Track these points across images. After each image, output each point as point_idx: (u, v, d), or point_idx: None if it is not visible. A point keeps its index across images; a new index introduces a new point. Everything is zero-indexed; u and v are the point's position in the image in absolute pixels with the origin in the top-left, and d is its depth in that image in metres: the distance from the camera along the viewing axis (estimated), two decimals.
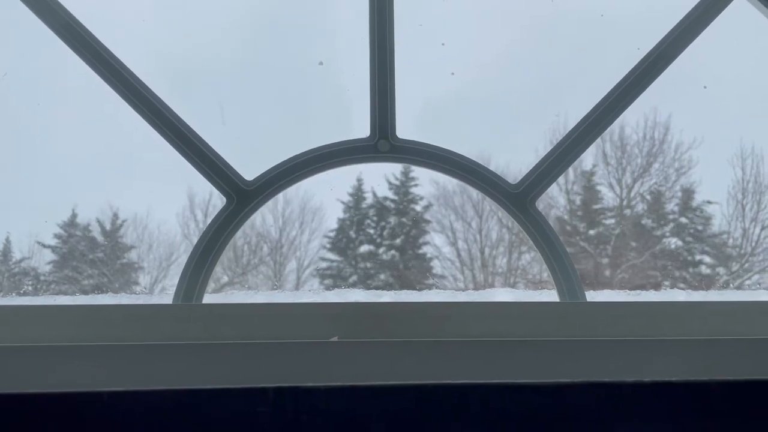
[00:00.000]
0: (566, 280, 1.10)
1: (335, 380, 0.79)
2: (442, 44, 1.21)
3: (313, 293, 1.21)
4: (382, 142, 1.13)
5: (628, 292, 1.14)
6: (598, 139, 1.55)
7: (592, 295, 1.11)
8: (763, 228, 1.66)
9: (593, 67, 1.27)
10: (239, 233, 1.13)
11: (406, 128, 1.15)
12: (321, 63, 1.19)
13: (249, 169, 1.11)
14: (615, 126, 1.63)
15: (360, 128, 1.13)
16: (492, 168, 1.15)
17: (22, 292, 1.53)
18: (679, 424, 0.80)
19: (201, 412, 0.77)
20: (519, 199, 1.13)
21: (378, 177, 1.67)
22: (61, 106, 1.34)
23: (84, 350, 0.79)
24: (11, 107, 1.33)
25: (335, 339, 0.92)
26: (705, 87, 1.30)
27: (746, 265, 1.72)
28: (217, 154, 1.11)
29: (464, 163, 1.14)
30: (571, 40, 1.27)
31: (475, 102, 1.27)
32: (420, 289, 1.19)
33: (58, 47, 1.11)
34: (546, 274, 1.11)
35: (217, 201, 1.47)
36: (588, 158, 1.72)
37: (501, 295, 1.21)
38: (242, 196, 1.10)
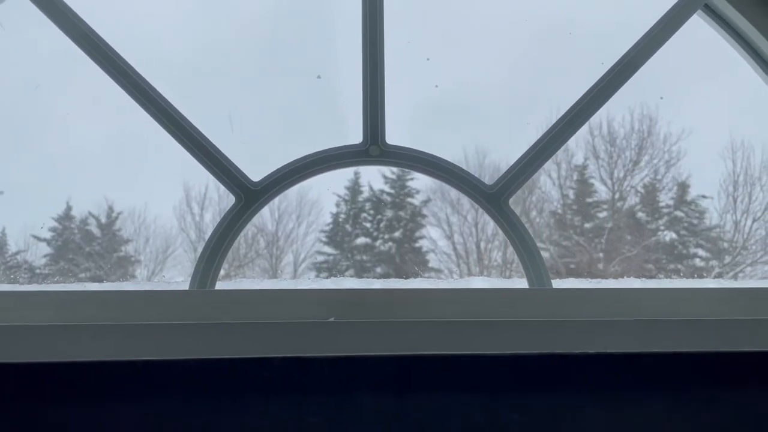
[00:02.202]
0: (534, 269, 1.25)
1: (331, 352, 0.94)
2: (427, 59, 1.36)
3: (312, 281, 1.35)
4: (373, 147, 1.27)
5: (590, 280, 1.29)
6: (588, 135, 1.69)
7: (558, 283, 1.26)
8: (754, 220, 1.69)
9: (560, 80, 1.41)
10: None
11: (394, 135, 1.29)
12: (319, 77, 1.33)
13: (256, 171, 1.25)
14: (603, 120, 1.76)
15: (354, 135, 1.28)
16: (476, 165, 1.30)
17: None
18: (619, 389, 0.96)
19: (218, 376, 0.93)
20: (494, 198, 1.28)
21: (374, 171, 1.76)
22: (60, 100, 1.43)
23: (116, 328, 0.94)
24: (8, 99, 1.41)
25: (332, 319, 1.07)
26: (661, 98, 1.45)
27: (738, 257, 1.77)
28: (227, 157, 1.26)
29: (445, 166, 1.28)
30: (542, 56, 1.42)
31: (456, 111, 1.41)
32: (406, 278, 1.34)
33: (59, 43, 1.25)
34: (515, 260, 1.26)
35: (213, 194, 1.60)
36: (579, 153, 1.79)
37: (478, 282, 1.36)
38: (250, 196, 1.24)
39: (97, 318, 1.02)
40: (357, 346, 0.95)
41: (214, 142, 1.25)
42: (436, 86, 1.35)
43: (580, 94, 1.32)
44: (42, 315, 1.05)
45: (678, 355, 1.00)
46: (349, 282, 1.29)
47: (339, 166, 1.28)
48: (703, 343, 0.97)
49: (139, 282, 1.33)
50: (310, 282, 1.30)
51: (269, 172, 1.26)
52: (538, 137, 1.30)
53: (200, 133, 1.25)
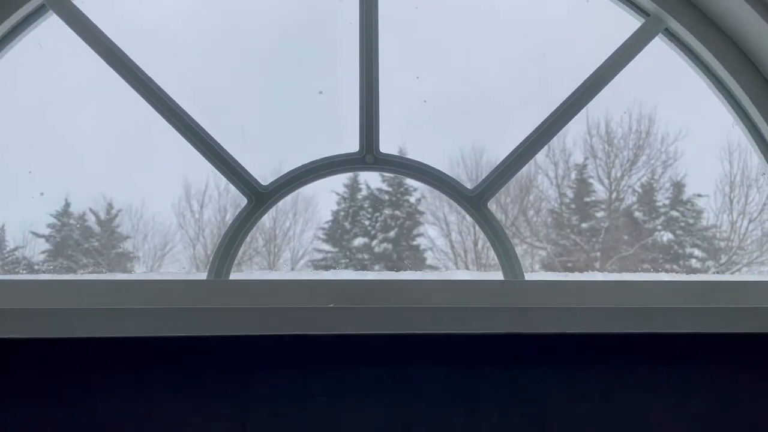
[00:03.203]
0: (509, 263, 1.42)
1: (332, 331, 1.12)
2: (417, 78, 1.53)
3: (314, 273, 1.53)
4: (368, 155, 1.44)
5: (558, 273, 1.46)
6: (586, 135, 1.75)
7: (530, 276, 1.44)
8: (750, 221, 1.68)
9: (537, 94, 1.58)
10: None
11: (387, 144, 1.46)
12: (321, 92, 1.50)
13: (265, 176, 1.42)
14: (601, 120, 1.72)
15: (351, 144, 1.45)
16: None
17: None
18: (574, 364, 1.14)
19: (235, 350, 1.10)
20: (474, 200, 1.45)
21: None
22: (65, 98, 1.51)
23: (153, 311, 1.11)
24: (9, 95, 1.48)
25: (331, 305, 1.24)
26: (624, 112, 1.62)
27: (734, 257, 1.77)
28: (240, 164, 1.43)
29: (431, 172, 1.46)
30: (519, 74, 1.59)
31: (442, 123, 1.59)
32: (398, 270, 1.51)
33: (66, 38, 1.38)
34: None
35: (213, 192, 1.64)
36: (577, 152, 1.76)
37: (460, 275, 1.53)
38: (259, 198, 1.42)
39: (137, 303, 1.21)
40: (353, 327, 1.12)
41: (228, 150, 1.42)
42: (425, 101, 1.52)
43: (553, 109, 1.50)
44: (95, 300, 1.25)
45: (624, 336, 1.17)
46: (346, 273, 1.46)
47: (338, 171, 1.46)
48: (646, 326, 1.15)
49: (162, 273, 1.49)
50: (313, 273, 1.48)
51: (277, 177, 1.43)
52: (515, 147, 1.48)
53: (217, 142, 1.42)
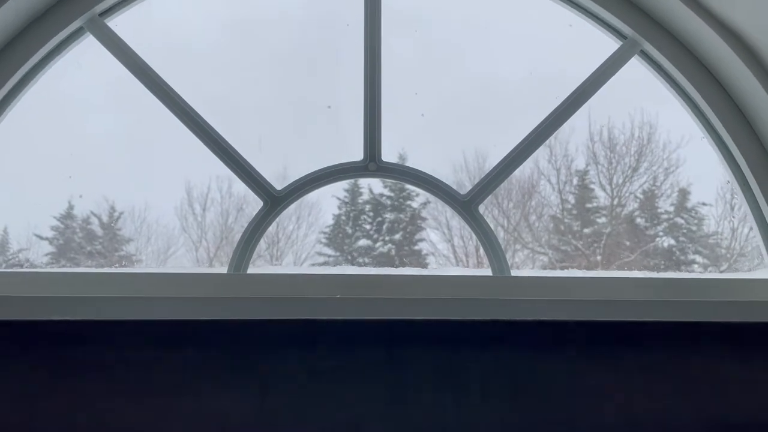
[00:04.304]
0: (497, 261, 1.59)
1: (338, 317, 1.29)
2: (416, 93, 1.70)
3: (323, 267, 1.70)
4: (371, 164, 1.61)
5: (541, 270, 1.63)
6: (588, 141, 1.82)
7: (516, 272, 1.61)
8: (751, 228, 1.70)
9: (523, 112, 1.75)
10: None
11: (389, 154, 1.64)
12: (329, 107, 1.68)
13: (279, 182, 1.60)
14: (604, 126, 1.76)
15: (356, 153, 1.62)
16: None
17: None
18: (547, 346, 1.31)
19: (255, 332, 1.28)
20: (466, 205, 1.62)
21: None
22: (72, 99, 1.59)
23: (186, 300, 1.29)
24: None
25: (338, 296, 1.41)
26: (600, 128, 1.79)
27: (735, 264, 1.81)
28: (257, 170, 1.60)
29: (428, 179, 1.63)
30: (507, 95, 1.76)
31: (438, 135, 1.76)
32: (397, 266, 1.68)
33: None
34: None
35: (216, 194, 1.69)
36: (579, 158, 1.82)
37: (453, 270, 1.70)
38: (274, 201, 1.59)
39: (171, 293, 1.39)
40: (356, 313, 1.30)
41: (247, 159, 1.59)
42: (422, 114, 1.69)
43: (539, 121, 1.66)
44: (140, 289, 1.42)
45: (593, 323, 1.35)
46: (350, 269, 1.64)
47: (343, 178, 1.63)
48: (609, 314, 1.32)
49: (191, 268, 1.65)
50: (322, 269, 1.65)
51: (289, 182, 1.60)
52: (504, 155, 1.64)
53: (236, 150, 1.59)
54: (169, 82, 1.59)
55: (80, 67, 1.63)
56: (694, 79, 1.68)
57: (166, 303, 1.25)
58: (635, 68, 1.74)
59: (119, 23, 1.62)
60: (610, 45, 1.73)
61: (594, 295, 1.49)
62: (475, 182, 1.64)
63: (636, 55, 1.72)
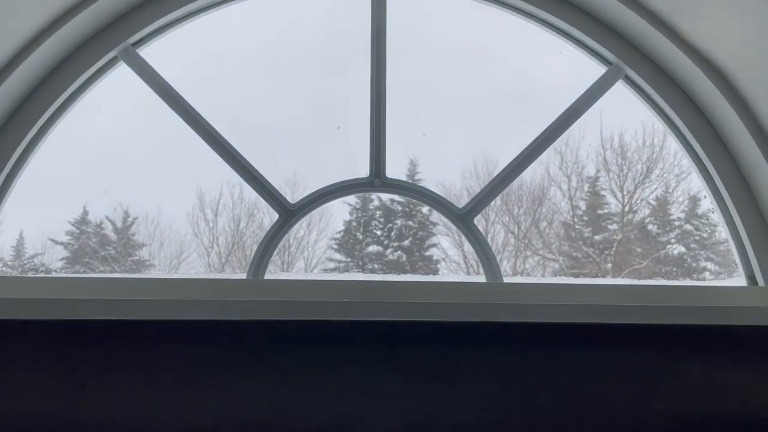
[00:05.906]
0: (491, 269, 1.74)
1: (345, 317, 1.44)
2: (417, 115, 1.86)
3: (332, 274, 1.86)
4: (376, 180, 1.77)
5: (533, 277, 1.78)
6: (600, 148, 1.91)
7: (508, 279, 1.76)
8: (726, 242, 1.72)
9: (518, 129, 1.90)
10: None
11: (393, 170, 1.79)
12: (338, 127, 1.84)
13: (293, 196, 1.76)
14: (614, 133, 1.86)
15: (362, 170, 1.78)
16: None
17: None
18: (535, 345, 1.46)
19: (270, 331, 1.44)
20: (463, 217, 1.78)
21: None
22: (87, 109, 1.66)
23: (210, 302, 1.45)
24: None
25: (345, 300, 1.57)
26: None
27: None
28: (272, 185, 1.76)
29: (428, 194, 1.78)
30: (505, 111, 1.91)
31: (438, 154, 1.91)
32: (407, 272, 1.83)
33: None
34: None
35: (228, 200, 1.81)
36: (590, 165, 1.85)
37: (450, 277, 1.85)
38: (288, 213, 1.75)
39: (196, 296, 1.55)
40: (362, 315, 1.45)
41: (263, 174, 1.75)
42: (423, 135, 1.85)
43: (530, 141, 1.82)
44: (166, 293, 1.57)
45: (574, 325, 1.50)
46: (357, 275, 1.79)
47: (351, 193, 1.79)
48: (588, 317, 1.47)
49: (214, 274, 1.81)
50: (329, 274, 1.81)
51: (302, 197, 1.76)
52: (498, 171, 1.80)
53: (253, 167, 1.75)
54: (192, 104, 1.76)
55: (111, 91, 1.80)
56: (672, 101, 1.83)
57: (199, 306, 1.41)
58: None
59: (149, 52, 1.79)
60: (597, 70, 1.88)
61: (573, 300, 1.64)
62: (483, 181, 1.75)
63: (621, 80, 1.87)
